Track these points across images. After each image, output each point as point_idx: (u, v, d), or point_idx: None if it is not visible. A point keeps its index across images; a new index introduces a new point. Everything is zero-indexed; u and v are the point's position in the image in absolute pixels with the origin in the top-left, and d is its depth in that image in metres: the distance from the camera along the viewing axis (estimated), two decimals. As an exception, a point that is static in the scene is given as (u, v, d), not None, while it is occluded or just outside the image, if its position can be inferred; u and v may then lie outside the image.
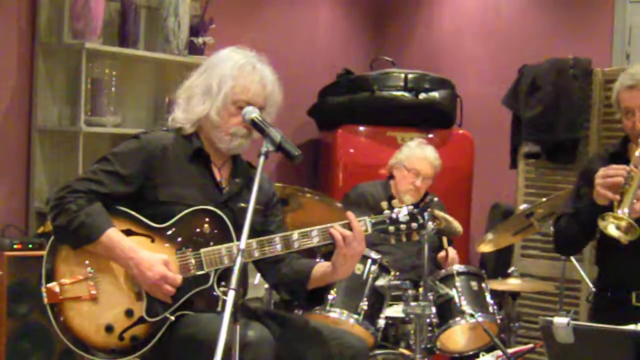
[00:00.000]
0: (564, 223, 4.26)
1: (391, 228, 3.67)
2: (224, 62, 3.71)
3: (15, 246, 4.95)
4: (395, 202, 3.74)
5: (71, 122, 5.53)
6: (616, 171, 3.90)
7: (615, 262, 4.21)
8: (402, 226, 3.67)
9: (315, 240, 3.61)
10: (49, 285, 3.53)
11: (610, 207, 3.88)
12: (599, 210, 3.92)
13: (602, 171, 3.94)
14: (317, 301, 3.82)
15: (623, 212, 3.77)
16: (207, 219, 3.59)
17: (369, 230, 3.65)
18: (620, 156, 4.19)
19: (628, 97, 4.08)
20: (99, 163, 3.63)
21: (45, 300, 3.53)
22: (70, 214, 3.46)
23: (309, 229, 3.61)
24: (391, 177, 5.73)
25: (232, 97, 3.64)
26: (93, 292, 3.51)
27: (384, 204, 3.70)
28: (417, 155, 5.62)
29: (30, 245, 4.97)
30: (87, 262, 3.53)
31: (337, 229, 3.58)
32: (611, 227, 3.80)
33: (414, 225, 3.68)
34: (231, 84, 3.65)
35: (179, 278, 3.50)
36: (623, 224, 3.76)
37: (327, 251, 4.66)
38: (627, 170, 3.88)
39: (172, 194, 3.61)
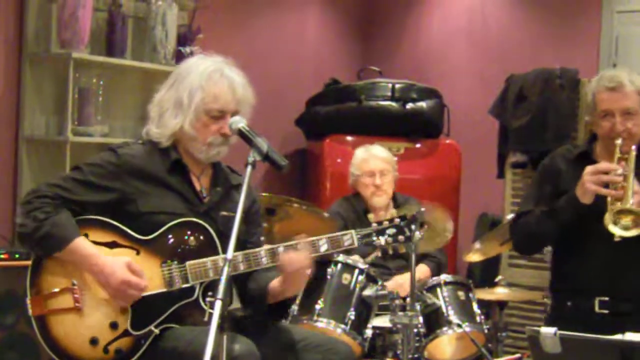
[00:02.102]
0: (534, 221, 4.24)
1: (378, 241, 3.67)
2: (191, 73, 3.68)
3: (1, 256, 4.93)
4: (370, 216, 3.74)
5: (58, 131, 5.52)
6: (610, 167, 3.96)
7: (577, 268, 4.22)
8: (389, 239, 3.68)
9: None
10: (34, 297, 3.51)
11: (595, 205, 3.94)
12: (581, 209, 3.99)
13: (592, 168, 3.98)
14: (278, 314, 3.79)
15: (630, 204, 3.85)
16: (192, 231, 3.58)
17: (356, 244, 3.66)
18: (588, 156, 4.22)
19: (608, 99, 4.09)
20: (71, 171, 3.63)
21: (30, 312, 3.51)
22: (37, 222, 3.45)
23: (294, 242, 3.62)
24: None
25: (203, 107, 3.62)
26: (78, 304, 3.50)
27: (372, 217, 3.71)
28: (362, 157, 5.66)
29: (17, 255, 4.94)
30: (72, 273, 3.51)
31: (291, 257, 3.57)
32: (615, 226, 3.84)
33: (401, 237, 3.68)
34: (201, 95, 3.62)
35: (142, 282, 3.47)
36: (629, 218, 3.84)
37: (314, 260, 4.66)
38: (619, 170, 3.94)
39: (153, 205, 3.60)
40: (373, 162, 5.62)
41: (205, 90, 3.63)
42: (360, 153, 5.72)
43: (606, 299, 4.11)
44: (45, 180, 3.66)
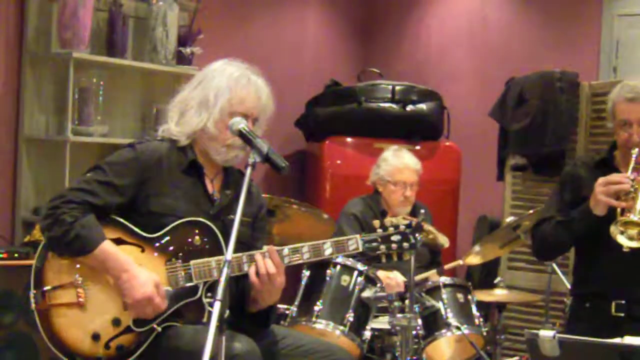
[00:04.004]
0: (550, 229, 4.27)
1: (382, 247, 3.67)
2: (218, 75, 3.71)
3: (1, 255, 4.92)
4: (376, 222, 3.71)
5: (58, 131, 5.52)
6: (621, 178, 3.98)
7: (595, 272, 4.26)
8: (394, 245, 3.67)
9: (305, 257, 3.62)
10: (37, 290, 3.52)
11: (606, 218, 3.94)
12: (594, 220, 4.02)
13: (603, 180, 4.01)
14: (261, 323, 3.76)
15: (637, 217, 3.85)
16: (198, 231, 3.58)
17: (360, 249, 3.65)
18: (608, 163, 4.25)
19: (627, 109, 4.13)
20: (92, 172, 3.61)
21: (33, 305, 3.52)
22: (66, 225, 3.44)
23: (299, 244, 3.61)
24: (377, 191, 5.72)
25: (228, 109, 3.64)
26: (81, 299, 3.50)
27: (376, 223, 3.69)
28: (398, 166, 5.60)
29: (16, 255, 4.94)
30: (76, 269, 3.52)
31: (258, 262, 3.54)
32: (622, 236, 3.86)
33: (406, 245, 3.67)
34: (228, 96, 3.65)
35: (164, 305, 3.48)
36: (636, 230, 3.86)
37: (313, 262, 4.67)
38: (632, 178, 3.97)
39: (164, 205, 3.60)
40: (408, 173, 5.57)
41: (232, 92, 3.66)
42: (393, 160, 5.64)
43: (623, 302, 4.14)
44: (72, 184, 3.67)
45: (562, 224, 4.23)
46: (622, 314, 4.14)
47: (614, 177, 4.02)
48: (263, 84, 3.74)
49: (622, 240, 3.87)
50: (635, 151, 4.08)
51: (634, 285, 4.15)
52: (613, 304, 4.15)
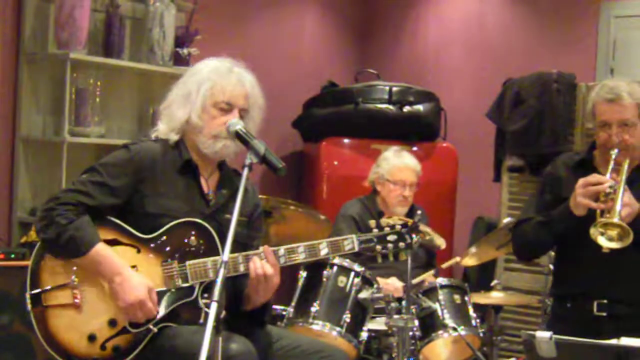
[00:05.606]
0: (530, 229, 4.28)
1: (378, 247, 3.67)
2: (201, 70, 3.74)
3: (-2, 256, 4.92)
4: (383, 220, 3.71)
5: (55, 132, 5.51)
6: (599, 179, 3.99)
7: (576, 272, 4.26)
8: (390, 245, 3.67)
9: (301, 257, 3.62)
10: (33, 291, 3.52)
11: (586, 218, 3.95)
12: (574, 221, 4.02)
13: (582, 181, 4.02)
14: (257, 321, 3.77)
15: (616, 219, 3.85)
16: (193, 231, 3.59)
17: (356, 249, 3.65)
18: (587, 163, 4.26)
19: (606, 110, 4.13)
20: (87, 173, 3.61)
21: (29, 306, 3.53)
22: (60, 227, 3.45)
23: (295, 245, 3.61)
24: (375, 191, 5.71)
25: (210, 98, 3.65)
26: (77, 300, 3.51)
27: (372, 223, 3.69)
28: (398, 165, 5.61)
29: (12, 255, 4.93)
30: (72, 270, 3.53)
31: (255, 263, 3.55)
32: (602, 237, 3.86)
33: (402, 245, 3.67)
34: (209, 85, 3.66)
35: (155, 311, 3.49)
36: (615, 231, 3.84)
37: (310, 263, 4.67)
38: (611, 179, 3.97)
39: (159, 206, 3.61)
40: (408, 173, 5.58)
41: (213, 81, 3.67)
42: (394, 159, 5.65)
43: (605, 301, 4.14)
44: (67, 186, 3.69)
45: (542, 225, 4.23)
46: (604, 314, 4.14)
47: (592, 178, 4.02)
48: (247, 73, 3.75)
49: (602, 241, 3.87)
50: (614, 152, 4.09)
51: (615, 284, 4.15)
52: (595, 303, 4.15)
